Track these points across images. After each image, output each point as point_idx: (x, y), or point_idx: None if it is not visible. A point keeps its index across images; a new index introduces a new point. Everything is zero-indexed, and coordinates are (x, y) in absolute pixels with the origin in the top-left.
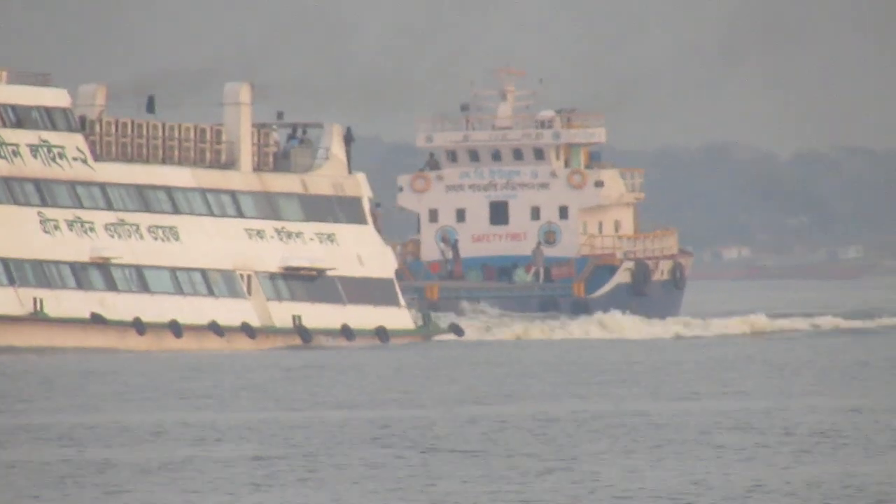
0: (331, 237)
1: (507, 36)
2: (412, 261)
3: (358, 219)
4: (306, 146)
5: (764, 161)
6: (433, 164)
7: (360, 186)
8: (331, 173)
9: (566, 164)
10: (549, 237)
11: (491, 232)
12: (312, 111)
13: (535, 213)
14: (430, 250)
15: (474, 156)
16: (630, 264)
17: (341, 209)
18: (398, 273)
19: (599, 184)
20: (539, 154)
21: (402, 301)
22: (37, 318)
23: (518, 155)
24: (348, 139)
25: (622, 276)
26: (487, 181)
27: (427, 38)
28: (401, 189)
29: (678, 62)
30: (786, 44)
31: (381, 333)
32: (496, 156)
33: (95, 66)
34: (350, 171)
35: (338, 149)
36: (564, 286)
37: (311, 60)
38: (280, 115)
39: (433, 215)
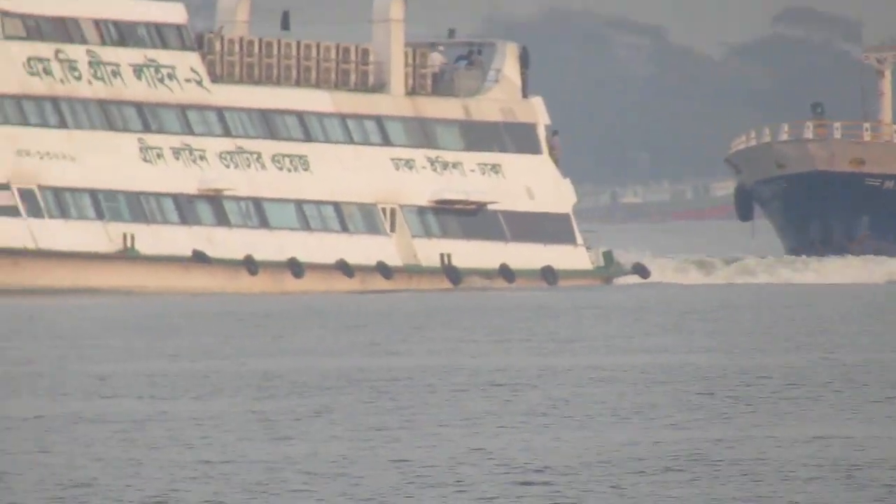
0: (495, 168)
1: None
2: None
3: (530, 148)
4: (473, 68)
5: None
6: None
7: (536, 112)
8: (500, 97)
9: None
10: None
11: None
12: None
13: None
14: None
15: None
16: None
17: (510, 137)
18: None
19: None
20: None
21: (578, 239)
22: (126, 256)
23: None
24: (524, 60)
25: None
26: None
27: None
28: None
29: None
30: None
31: (548, 274)
32: None
33: None
34: (525, 95)
35: (511, 70)
36: None
37: None
38: (451, 33)
39: None
